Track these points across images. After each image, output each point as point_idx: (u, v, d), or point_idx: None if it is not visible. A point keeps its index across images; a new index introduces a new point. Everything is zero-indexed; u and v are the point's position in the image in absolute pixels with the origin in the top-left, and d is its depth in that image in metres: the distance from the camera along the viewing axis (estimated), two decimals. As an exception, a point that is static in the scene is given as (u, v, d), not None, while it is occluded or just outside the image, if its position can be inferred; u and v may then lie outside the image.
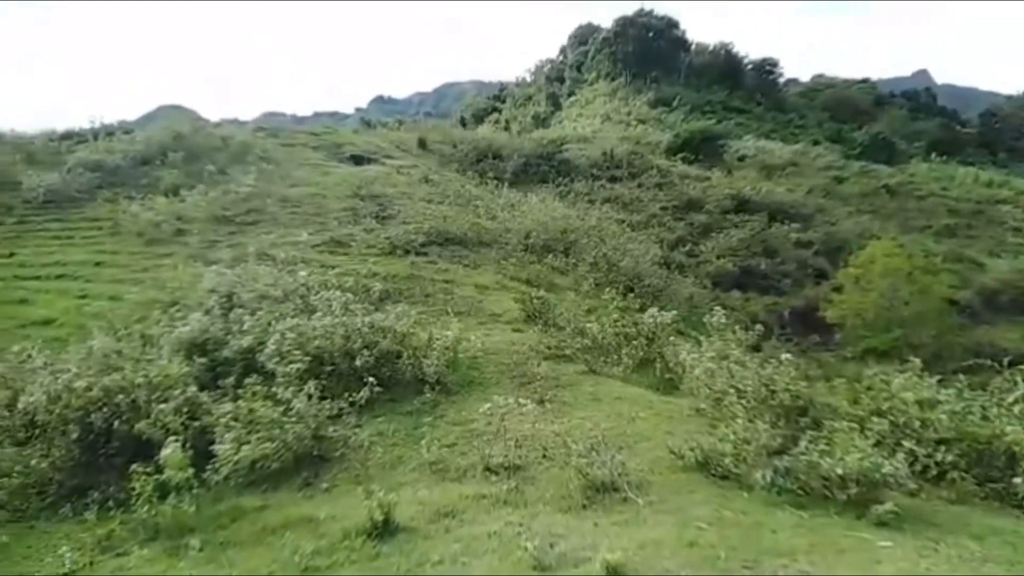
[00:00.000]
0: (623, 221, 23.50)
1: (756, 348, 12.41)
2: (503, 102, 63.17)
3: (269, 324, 11.24)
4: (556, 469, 7.96)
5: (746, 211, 31.20)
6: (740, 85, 67.09)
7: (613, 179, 30.13)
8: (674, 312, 13.53)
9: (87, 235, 20.92)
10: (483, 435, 8.82)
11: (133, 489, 7.49)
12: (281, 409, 9.03)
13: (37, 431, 9.16)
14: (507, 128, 43.65)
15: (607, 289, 14.92)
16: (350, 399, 9.77)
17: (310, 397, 9.22)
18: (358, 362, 10.64)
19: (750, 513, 6.55)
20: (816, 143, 49.85)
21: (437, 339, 11.66)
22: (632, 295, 15.48)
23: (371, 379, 10.02)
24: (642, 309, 14.69)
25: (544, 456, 8.23)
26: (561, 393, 10.66)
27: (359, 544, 6.31)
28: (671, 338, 12.78)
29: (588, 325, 12.99)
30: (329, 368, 10.53)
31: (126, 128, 34.11)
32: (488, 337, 12.55)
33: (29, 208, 23.04)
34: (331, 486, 8.22)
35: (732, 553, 5.59)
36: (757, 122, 55.94)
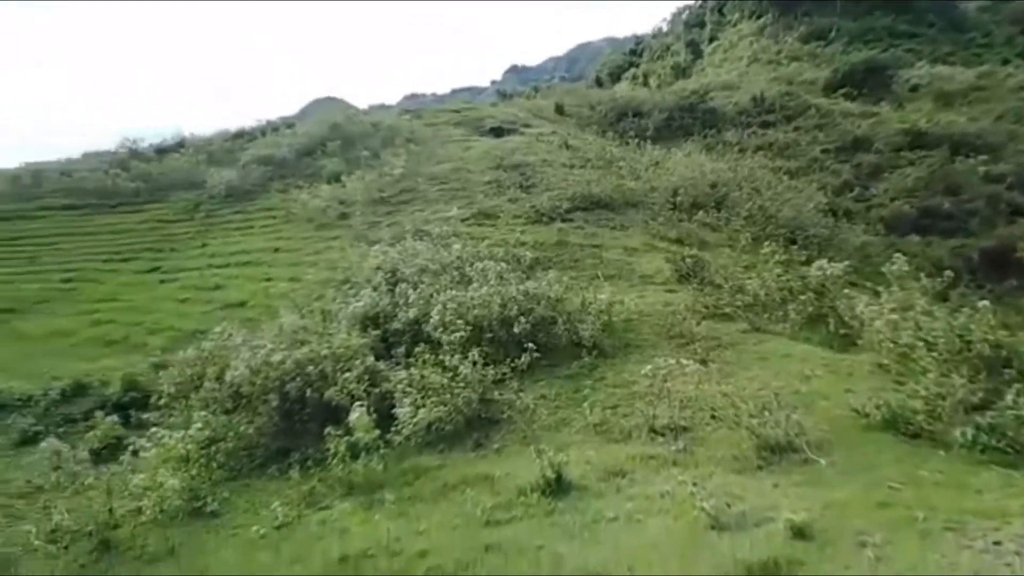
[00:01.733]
0: (779, 169, 21.97)
1: (943, 297, 11.29)
2: (640, 56, 60.95)
3: (431, 296, 11.83)
4: (726, 430, 7.78)
5: (922, 146, 27.93)
6: (908, 7, 59.94)
7: (765, 125, 28.21)
8: (845, 263, 12.60)
9: (264, 224, 23.07)
10: (645, 397, 8.79)
11: (328, 450, 8.31)
12: (449, 375, 9.57)
13: (243, 401, 10.34)
14: (646, 83, 42.04)
15: (766, 243, 14.15)
16: (511, 364, 10.14)
17: (475, 363, 9.68)
18: (516, 329, 10.98)
19: (949, 473, 6.05)
20: (1005, 62, 43.47)
21: (590, 303, 11.74)
22: (795, 247, 14.58)
23: (530, 345, 10.31)
24: (807, 262, 13.85)
25: (713, 417, 8.07)
26: (723, 353, 10.35)
27: (535, 500, 6.57)
28: (844, 291, 11.89)
29: (747, 282, 12.45)
30: (489, 336, 10.95)
31: (288, 123, 36.97)
32: (641, 299, 12.40)
33: (214, 203, 25.83)
34: (501, 446, 8.60)
35: (932, 514, 5.20)
36: (930, 46, 49.58)
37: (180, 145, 33.71)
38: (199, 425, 9.01)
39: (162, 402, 10.88)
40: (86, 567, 7.68)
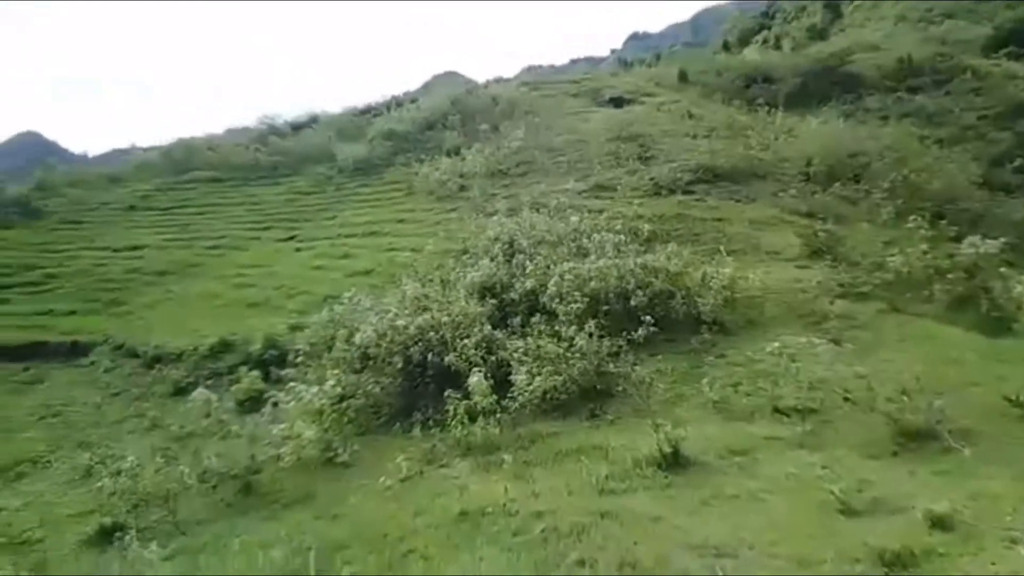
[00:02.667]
0: (927, 138, 20.05)
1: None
2: (772, 19, 57.28)
3: (548, 267, 11.90)
4: (859, 414, 7.34)
5: (1099, 111, 24.59)
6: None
7: (912, 89, 25.68)
8: (1000, 240, 11.36)
9: (389, 196, 23.98)
10: (770, 375, 8.43)
11: (447, 411, 8.63)
12: (565, 346, 9.63)
13: (370, 362, 10.90)
14: (778, 47, 39.35)
15: (911, 217, 13.02)
16: (628, 337, 10.04)
17: (591, 335, 9.67)
18: (632, 302, 10.85)
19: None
20: None
21: (711, 278, 11.36)
22: (943, 223, 13.30)
23: (647, 318, 10.15)
24: (957, 238, 12.61)
25: (845, 399, 7.62)
26: (859, 334, 9.71)
27: (650, 473, 6.52)
28: (999, 270, 10.77)
29: (888, 259, 11.55)
30: (605, 308, 10.88)
31: (411, 98, 38.02)
32: (768, 275, 11.84)
33: (343, 176, 27.10)
34: (615, 418, 8.57)
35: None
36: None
37: (313, 121, 35.56)
38: (332, 382, 9.61)
39: (298, 360, 11.67)
40: (231, 506, 8.47)
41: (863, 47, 28.45)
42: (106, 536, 8.35)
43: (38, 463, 12.39)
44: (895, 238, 13.20)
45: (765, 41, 50.69)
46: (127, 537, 6.98)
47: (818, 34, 43.25)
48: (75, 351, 17.44)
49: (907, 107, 23.22)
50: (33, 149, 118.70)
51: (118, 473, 9.77)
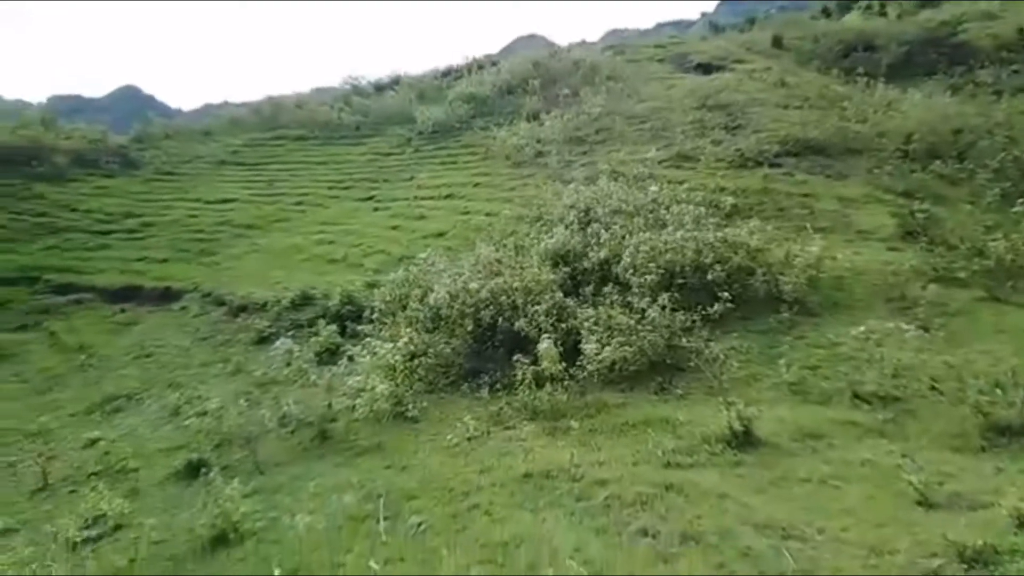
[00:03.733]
0: (1044, 115, 18.45)
1: None
2: (879, -17, 53.75)
3: (623, 238, 11.74)
4: (946, 405, 7.00)
5: None
6: None
7: (1031, 63, 23.69)
8: (1119, 229, 10.46)
9: (466, 160, 24.06)
10: (852, 360, 8.13)
11: (515, 375, 8.75)
12: (637, 317, 9.54)
13: (441, 322, 11.10)
14: (883, 12, 36.70)
15: (1019, 201, 12.10)
16: (702, 312, 9.84)
17: (664, 308, 9.54)
18: (709, 276, 10.60)
19: None
20: None
21: (796, 256, 10.94)
22: (1056, 208, 12.33)
23: (724, 294, 9.90)
24: (1071, 225, 11.73)
25: (932, 389, 7.26)
26: (951, 321, 9.19)
27: (719, 449, 6.44)
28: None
29: (990, 244, 10.80)
30: (680, 281, 10.67)
31: (492, 61, 37.75)
32: (857, 255, 11.30)
33: (421, 139, 27.34)
34: (685, 393, 8.47)
35: None
36: None
37: (395, 82, 35.93)
38: (405, 340, 9.87)
39: (374, 317, 12.01)
40: (307, 451, 8.90)
41: (977, 15, 26.16)
42: (192, 471, 8.96)
43: (132, 399, 13.35)
44: (999, 222, 12.31)
45: (869, 7, 47.47)
46: (211, 473, 7.44)
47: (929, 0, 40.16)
48: (167, 296, 18.56)
49: (1023, 82, 21.35)
50: (132, 102, 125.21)
51: (204, 413, 10.44)
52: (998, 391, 6.67)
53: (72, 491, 9.30)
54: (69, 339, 17.29)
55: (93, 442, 11.15)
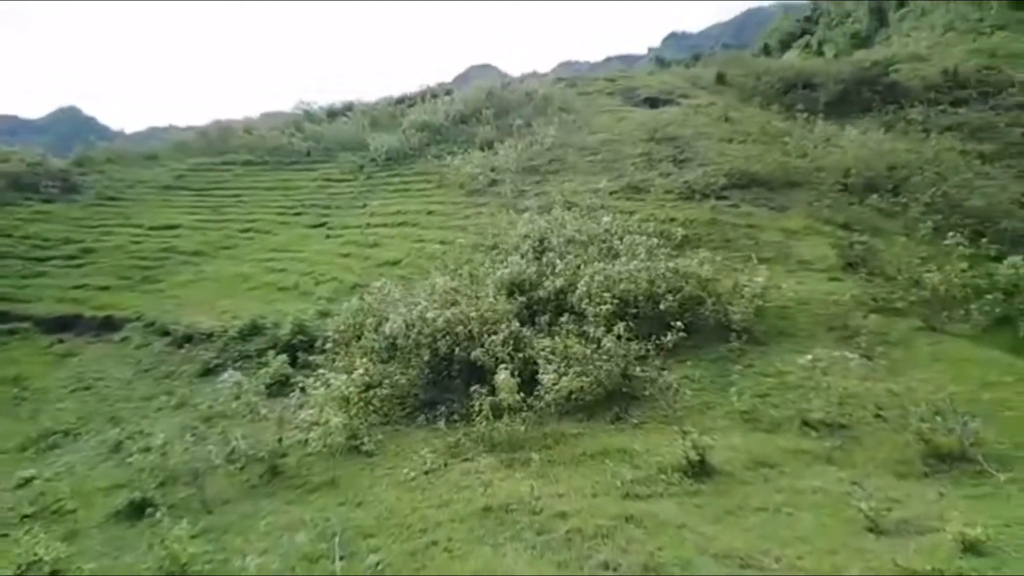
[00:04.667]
0: (970, 152, 19.53)
1: None
2: (815, 23, 56.25)
3: (578, 267, 11.87)
4: (890, 432, 7.27)
5: None
6: None
7: (956, 102, 25.00)
8: (1044, 261, 11.12)
9: (419, 188, 24.03)
10: (799, 388, 8.37)
11: (473, 406, 8.69)
12: (593, 347, 9.62)
13: (397, 352, 10.97)
14: (820, 52, 38.55)
15: (950, 234, 12.78)
16: (656, 342, 9.99)
17: (619, 337, 9.64)
18: (662, 306, 10.79)
19: None
20: None
21: (743, 286, 11.26)
22: (984, 241, 13.05)
23: (677, 324, 10.09)
24: (998, 258, 12.42)
25: (877, 416, 7.54)
26: (892, 350, 9.57)
27: (676, 479, 6.52)
28: (1041, 292, 10.55)
29: (926, 275, 11.34)
30: (634, 311, 10.83)
31: (446, 89, 38.03)
32: (800, 285, 11.72)
33: (374, 166, 27.18)
34: (640, 422, 8.56)
35: None
36: None
37: (348, 109, 35.78)
38: (360, 371, 9.71)
39: (327, 346, 11.79)
40: (257, 488, 8.61)
41: (908, 56, 27.80)
42: (135, 510, 8.57)
43: (69, 434, 12.72)
44: (933, 254, 12.96)
45: (807, 46, 49.88)
46: (158, 513, 7.13)
47: (862, 41, 42.43)
48: (108, 326, 17.83)
49: (950, 120, 22.63)
50: (72, 123, 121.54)
51: (148, 449, 10.01)
52: (938, 418, 6.96)
53: (3, 535, 8.76)
54: (2, 371, 16.41)
55: (27, 481, 10.56)
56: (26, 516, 9.35)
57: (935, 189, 16.00)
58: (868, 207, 16.03)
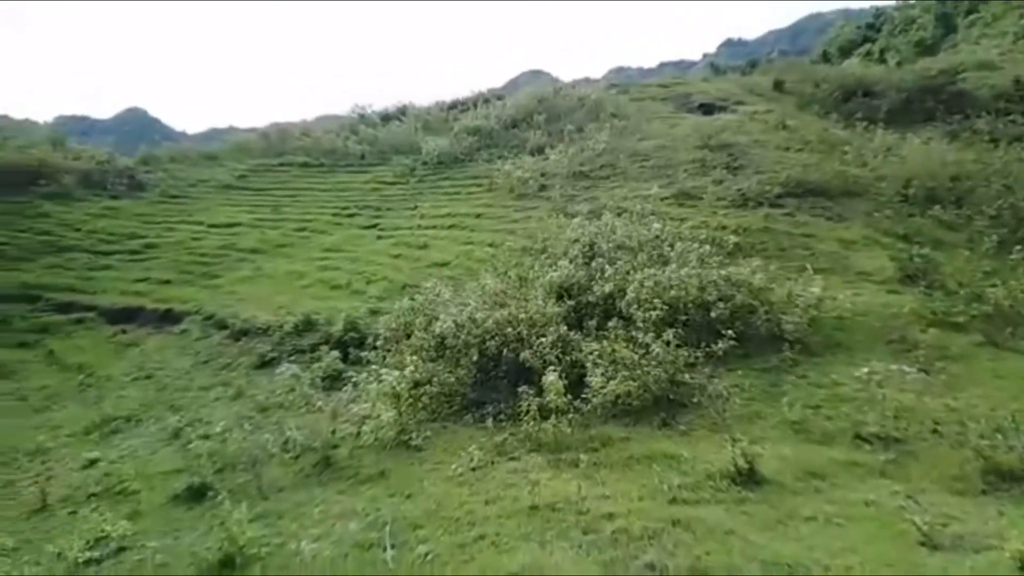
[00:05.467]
0: (1040, 164, 18.81)
1: None
2: (878, 30, 54.56)
3: (627, 273, 11.87)
4: (947, 447, 7.07)
5: None
6: None
7: (1027, 112, 24.23)
8: (1116, 278, 10.65)
9: (470, 191, 24.34)
10: (854, 401, 8.22)
11: (520, 407, 8.79)
12: (641, 352, 9.62)
13: (446, 352, 11.14)
14: (882, 60, 37.39)
15: (1016, 248, 12.33)
16: (706, 349, 9.93)
17: (668, 344, 9.63)
18: (713, 314, 10.71)
19: None
20: None
21: (797, 296, 11.10)
22: (1053, 255, 12.55)
23: (728, 332, 10.01)
24: (1066, 273, 11.95)
25: (934, 431, 7.35)
26: (951, 365, 9.30)
27: (724, 486, 6.49)
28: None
29: (988, 290, 10.98)
30: (684, 318, 10.77)
31: (497, 95, 38.43)
32: (857, 297, 11.45)
33: (426, 169, 27.68)
34: (689, 429, 8.51)
35: None
36: None
37: (402, 113, 36.50)
38: (411, 367, 9.93)
39: (378, 344, 12.07)
40: (310, 477, 8.89)
41: (976, 65, 26.82)
42: (194, 494, 8.96)
43: (131, 420, 13.33)
44: (996, 268, 12.53)
45: (869, 53, 48.57)
46: (219, 496, 7.44)
47: (927, 49, 41.11)
48: (168, 318, 18.63)
49: (1020, 131, 21.77)
50: (138, 123, 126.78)
51: (206, 437, 10.47)
52: (998, 435, 6.76)
53: (72, 512, 9.26)
54: (69, 358, 17.31)
55: (92, 463, 11.12)
56: (92, 495, 9.86)
57: (1001, 202, 15.41)
58: (929, 218, 15.55)
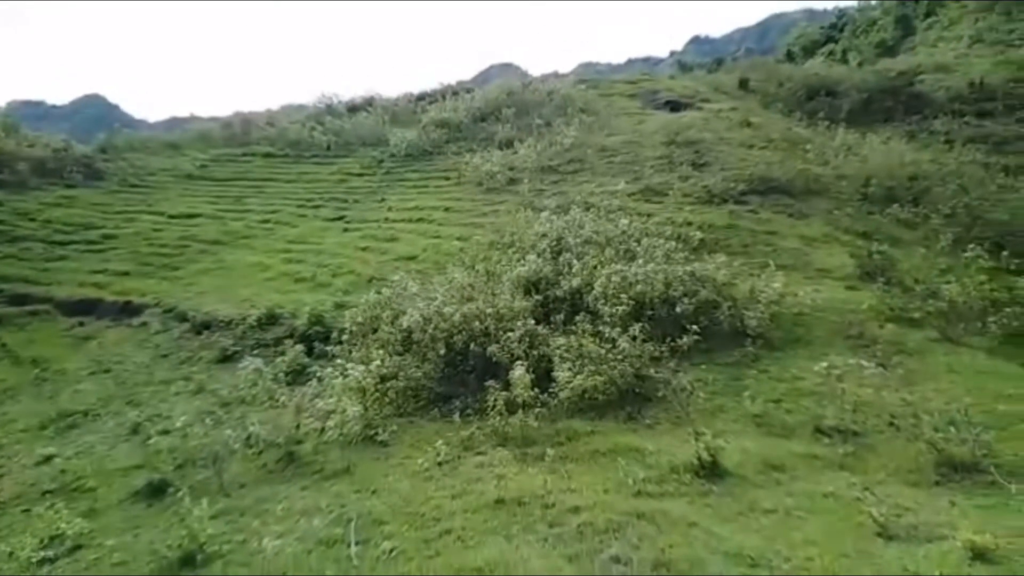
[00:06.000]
0: (994, 165, 19.37)
1: None
2: (840, 31, 55.64)
3: (595, 268, 11.94)
4: (902, 440, 7.28)
5: None
6: None
7: (982, 114, 24.80)
8: (1064, 276, 11.05)
9: (437, 184, 24.21)
10: (813, 394, 8.40)
11: (487, 401, 8.77)
12: (608, 347, 9.68)
13: (413, 346, 11.08)
14: (844, 60, 38.13)
15: (969, 246, 12.72)
16: (671, 344, 10.03)
17: (634, 338, 9.71)
18: (678, 309, 10.83)
19: None
20: None
21: (760, 292, 11.28)
22: (1004, 254, 12.98)
23: (692, 327, 10.12)
24: (1018, 271, 12.38)
25: (890, 425, 7.55)
26: (907, 360, 9.56)
27: (688, 479, 6.57)
28: (1060, 307, 10.48)
29: (944, 286, 11.30)
30: (650, 313, 10.89)
31: (466, 88, 38.19)
32: (817, 293, 11.68)
33: (394, 161, 27.43)
34: (653, 423, 8.62)
35: None
36: None
37: (369, 104, 36.04)
38: (378, 362, 9.84)
39: (344, 338, 11.93)
40: (273, 473, 8.76)
41: (934, 67, 27.60)
42: (154, 491, 8.76)
43: (88, 415, 12.95)
44: (952, 266, 12.91)
45: (831, 54, 49.50)
46: (179, 493, 7.27)
47: (887, 50, 42.08)
48: (127, 311, 18.12)
49: (975, 132, 22.48)
50: (96, 110, 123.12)
51: (166, 432, 10.23)
52: (951, 428, 6.96)
53: (25, 510, 8.98)
54: (23, 351, 16.73)
55: (47, 459, 10.79)
56: (47, 492, 9.57)
57: (956, 201, 15.91)
58: (888, 217, 15.97)
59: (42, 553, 7.11)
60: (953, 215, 15.49)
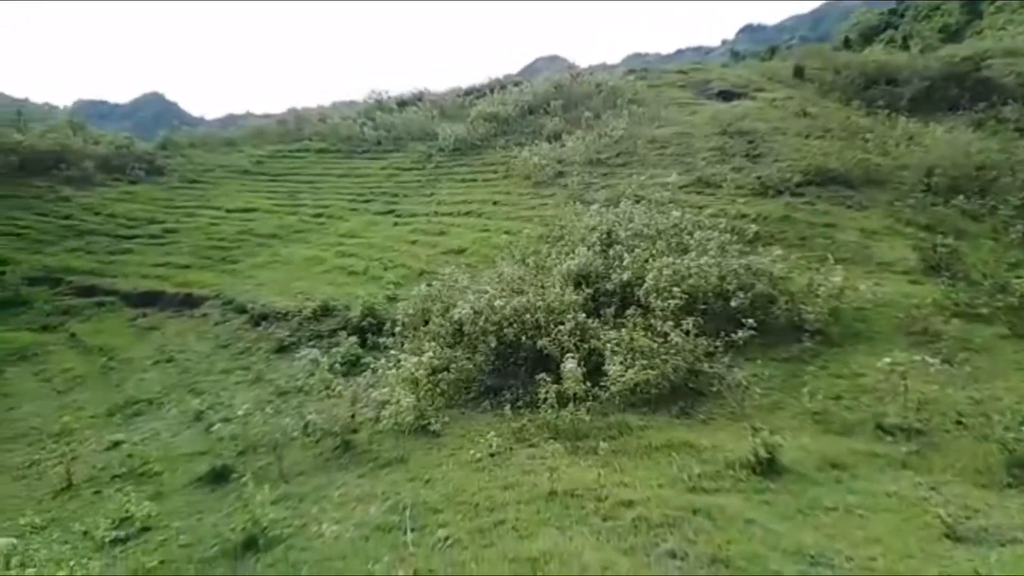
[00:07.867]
0: (1067, 154, 18.44)
1: None
2: (901, 16, 53.53)
3: (646, 261, 11.81)
4: (970, 440, 7.02)
5: None
6: None
7: (1054, 101, 23.73)
8: None
9: (486, 178, 24.29)
10: (875, 391, 8.16)
11: (537, 394, 8.79)
12: (659, 341, 9.59)
13: (464, 338, 11.17)
14: (905, 46, 36.62)
15: (1042, 238, 12.16)
16: (725, 338, 9.87)
17: (687, 333, 9.59)
18: (733, 303, 10.64)
19: None
20: None
21: (818, 286, 11.00)
22: (1080, 247, 12.35)
23: (748, 321, 9.94)
24: (1094, 265, 11.76)
25: (957, 423, 7.29)
26: (974, 357, 9.18)
27: (744, 475, 6.47)
28: None
29: (1014, 281, 10.81)
30: (703, 307, 10.72)
31: (514, 81, 38.19)
32: (878, 287, 11.31)
33: (443, 155, 27.65)
34: (708, 418, 8.50)
35: None
36: None
37: (418, 99, 36.41)
38: (430, 354, 9.97)
39: (396, 330, 12.12)
40: (330, 460, 8.99)
41: (1002, 52, 26.29)
42: (216, 476, 9.09)
43: (153, 403, 13.51)
44: (1021, 259, 12.35)
45: (891, 40, 47.71)
46: (242, 479, 7.53)
47: (952, 35, 40.35)
48: (188, 302, 18.81)
49: (1047, 119, 21.35)
50: (156, 108, 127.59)
51: (228, 420, 10.58)
52: (1023, 428, 6.69)
53: (96, 492, 9.44)
54: (91, 341, 17.54)
55: (116, 444, 11.31)
56: (116, 476, 10.04)
57: (1027, 191, 15.16)
58: (953, 208, 15.33)
59: (114, 533, 7.48)
60: (1023, 206, 14.77)
